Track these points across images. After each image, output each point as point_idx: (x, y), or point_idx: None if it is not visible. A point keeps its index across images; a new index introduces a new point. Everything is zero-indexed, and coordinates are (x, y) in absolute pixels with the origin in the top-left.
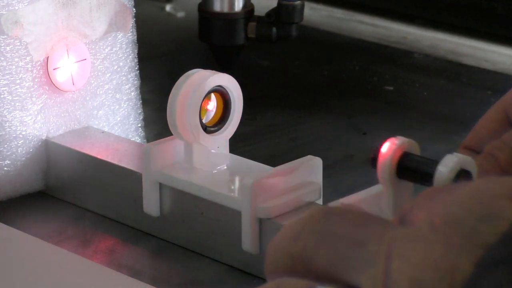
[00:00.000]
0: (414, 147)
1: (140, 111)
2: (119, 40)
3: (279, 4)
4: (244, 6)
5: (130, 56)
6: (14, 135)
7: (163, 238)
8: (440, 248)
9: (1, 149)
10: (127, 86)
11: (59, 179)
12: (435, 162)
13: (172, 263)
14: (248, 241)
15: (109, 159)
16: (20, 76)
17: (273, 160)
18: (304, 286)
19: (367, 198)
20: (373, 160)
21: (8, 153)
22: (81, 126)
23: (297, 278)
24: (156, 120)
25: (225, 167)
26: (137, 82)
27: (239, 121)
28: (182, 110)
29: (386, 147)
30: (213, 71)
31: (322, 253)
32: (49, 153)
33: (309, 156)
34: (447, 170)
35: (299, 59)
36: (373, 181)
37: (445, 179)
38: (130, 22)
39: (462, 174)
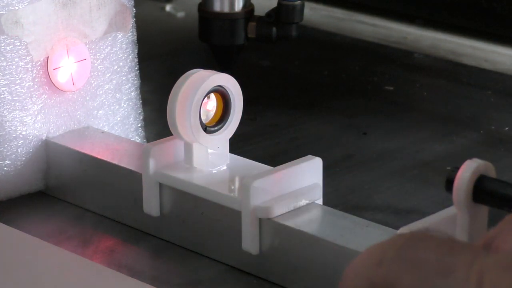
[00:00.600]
0: (490, 169)
1: (140, 111)
2: (119, 40)
3: (279, 4)
4: (244, 6)
5: (130, 56)
6: (14, 135)
7: (163, 238)
8: None
9: (1, 149)
10: (127, 86)
11: (59, 179)
12: None
13: (172, 263)
14: (248, 241)
15: (109, 159)
16: (20, 76)
17: (273, 160)
18: None
19: (442, 221)
20: (448, 183)
21: (8, 153)
22: (81, 126)
23: None
24: (156, 120)
25: (225, 167)
26: (137, 82)
27: (239, 121)
28: (182, 110)
29: (463, 170)
30: (213, 71)
31: (406, 280)
32: (49, 153)
33: (309, 156)
34: None
35: (299, 59)
36: (373, 181)
37: None
38: (130, 22)
39: None
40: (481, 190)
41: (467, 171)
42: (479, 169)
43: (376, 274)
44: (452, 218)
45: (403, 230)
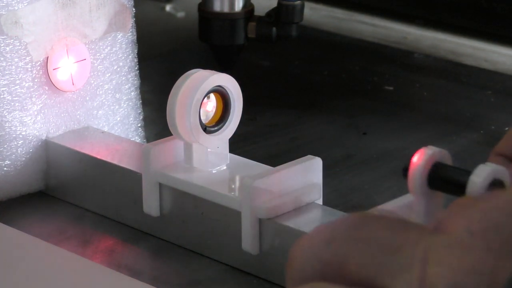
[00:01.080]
0: (446, 157)
1: (140, 111)
2: (119, 40)
3: (279, 4)
4: (244, 6)
5: (130, 56)
6: (14, 135)
7: (163, 238)
8: (479, 253)
9: (1, 149)
10: (127, 86)
11: (59, 179)
12: (467, 172)
13: (172, 263)
14: (248, 241)
15: (109, 159)
16: (20, 76)
17: (273, 160)
18: None
19: (398, 208)
20: (405, 170)
21: (8, 153)
22: (81, 126)
23: (328, 283)
24: (156, 120)
25: (225, 167)
26: (137, 82)
27: (239, 121)
28: (182, 110)
29: (418, 157)
30: (213, 71)
31: (356, 258)
32: (49, 153)
33: (309, 156)
34: (480, 180)
35: (299, 59)
36: (373, 181)
37: (478, 190)
38: (130, 22)
39: (495, 184)
40: (436, 177)
41: (422, 158)
42: (435, 156)
43: (326, 253)
44: (408, 205)
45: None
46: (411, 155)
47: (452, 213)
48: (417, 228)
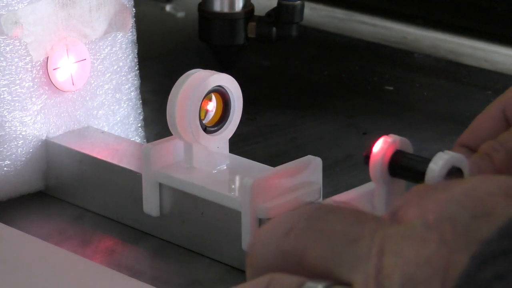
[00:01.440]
0: (406, 145)
1: (140, 111)
2: (119, 40)
3: (279, 4)
4: (244, 6)
5: (130, 56)
6: (14, 135)
7: (163, 238)
8: (434, 244)
9: (1, 149)
10: (127, 86)
11: (59, 179)
12: (426, 160)
13: (172, 263)
14: (248, 241)
15: (109, 159)
16: (20, 76)
17: (273, 160)
18: (296, 282)
19: (360, 196)
20: (366, 158)
21: (8, 153)
22: (81, 126)
23: (288, 273)
24: (156, 120)
25: (225, 167)
26: (137, 82)
27: (239, 121)
28: (182, 110)
29: (379, 145)
30: (213, 71)
31: (315, 249)
32: (49, 153)
33: (309, 156)
34: (438, 168)
35: (299, 59)
36: None
37: (436, 177)
38: (130, 22)
39: (454, 172)
40: (396, 165)
41: (383, 146)
42: (395, 144)
43: (284, 243)
44: (370, 192)
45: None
46: (372, 143)
47: (408, 201)
48: (374, 219)
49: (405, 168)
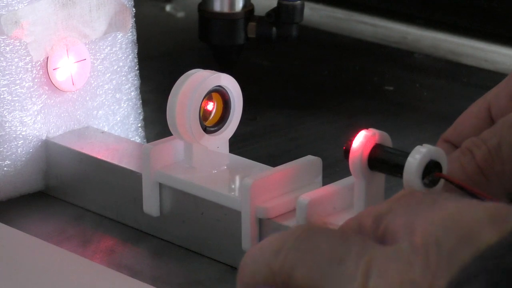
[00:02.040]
0: (386, 139)
1: (140, 111)
2: (119, 40)
3: (279, 4)
4: (244, 6)
5: (130, 56)
6: (14, 135)
7: (163, 238)
8: (419, 268)
9: (1, 149)
10: (127, 86)
11: (59, 179)
12: (405, 154)
13: (172, 263)
14: (248, 241)
15: (109, 159)
16: (20, 76)
17: (273, 160)
18: None
19: (340, 189)
20: (346, 152)
21: (8, 153)
22: (81, 126)
23: None
24: (156, 120)
25: (225, 167)
26: (137, 82)
27: (239, 121)
28: (182, 110)
29: (358, 140)
30: (213, 71)
31: (302, 269)
32: (49, 153)
33: (309, 156)
34: (416, 161)
35: (299, 59)
36: None
37: (414, 170)
38: (130, 22)
39: (432, 166)
40: (375, 159)
41: (362, 140)
42: (375, 138)
43: (274, 262)
44: (350, 186)
45: (304, 197)
46: (352, 137)
47: (394, 211)
48: (362, 239)
49: (384, 161)
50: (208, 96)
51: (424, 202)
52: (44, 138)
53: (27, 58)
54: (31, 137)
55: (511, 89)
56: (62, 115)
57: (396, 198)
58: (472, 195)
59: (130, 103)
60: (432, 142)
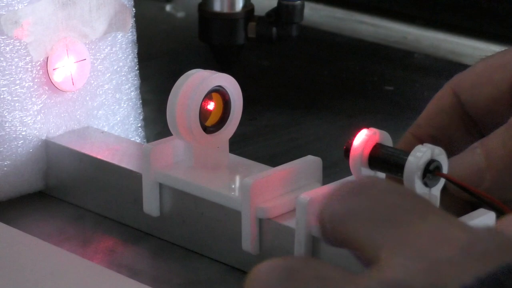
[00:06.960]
0: (386, 138)
1: (140, 111)
2: (119, 40)
3: (279, 4)
4: (244, 6)
5: (130, 56)
6: (14, 135)
7: (163, 238)
8: None
9: (1, 149)
10: (127, 86)
11: (59, 179)
12: (405, 153)
13: (172, 263)
14: (248, 241)
15: (109, 159)
16: (20, 76)
17: (273, 160)
18: None
19: None
20: (346, 151)
21: (8, 153)
22: (81, 126)
23: None
24: (156, 120)
25: (225, 167)
26: (137, 82)
27: (239, 121)
28: (182, 110)
29: (359, 139)
30: (213, 71)
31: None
32: (49, 153)
33: (309, 156)
34: (416, 161)
35: (299, 59)
36: None
37: (414, 170)
38: (130, 22)
39: (432, 165)
40: (376, 158)
41: (362, 139)
42: (375, 138)
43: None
44: None
45: (304, 196)
46: (352, 137)
47: (390, 249)
48: (346, 276)
49: (384, 161)
50: (208, 96)
51: (412, 230)
52: (44, 138)
53: (27, 58)
54: (31, 137)
55: (475, 71)
56: (62, 115)
57: (390, 228)
58: (472, 194)
59: (130, 103)
60: None
